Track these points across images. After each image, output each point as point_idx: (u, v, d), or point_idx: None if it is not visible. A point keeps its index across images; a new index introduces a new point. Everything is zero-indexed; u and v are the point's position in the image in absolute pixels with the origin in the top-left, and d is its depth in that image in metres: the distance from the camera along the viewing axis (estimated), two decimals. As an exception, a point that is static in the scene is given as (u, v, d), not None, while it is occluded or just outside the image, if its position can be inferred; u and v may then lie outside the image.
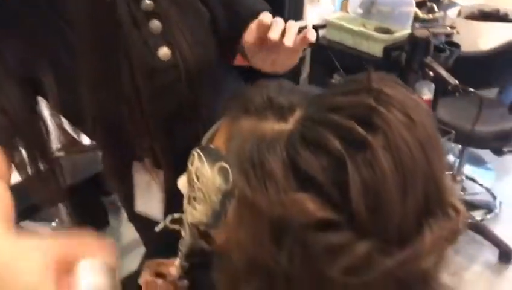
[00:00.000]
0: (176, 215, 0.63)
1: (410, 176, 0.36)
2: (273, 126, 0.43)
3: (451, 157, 2.18)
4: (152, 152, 0.76)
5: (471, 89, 1.41)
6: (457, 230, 0.39)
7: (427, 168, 0.37)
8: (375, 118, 0.36)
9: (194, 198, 0.49)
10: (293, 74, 1.33)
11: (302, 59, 2.27)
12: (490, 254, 2.05)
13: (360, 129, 0.36)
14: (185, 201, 0.52)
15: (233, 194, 0.44)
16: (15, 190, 0.62)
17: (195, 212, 0.49)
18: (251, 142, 0.42)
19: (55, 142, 0.75)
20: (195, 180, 0.48)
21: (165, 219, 0.61)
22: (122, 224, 2.06)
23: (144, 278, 0.68)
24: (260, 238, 0.40)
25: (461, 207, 0.41)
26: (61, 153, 0.75)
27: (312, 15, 1.99)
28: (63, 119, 0.75)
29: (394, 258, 0.36)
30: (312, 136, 0.38)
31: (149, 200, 0.84)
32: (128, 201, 0.88)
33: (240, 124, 0.45)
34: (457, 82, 1.40)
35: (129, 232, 1.76)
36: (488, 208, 2.19)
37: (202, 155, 0.48)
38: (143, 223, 0.89)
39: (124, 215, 1.05)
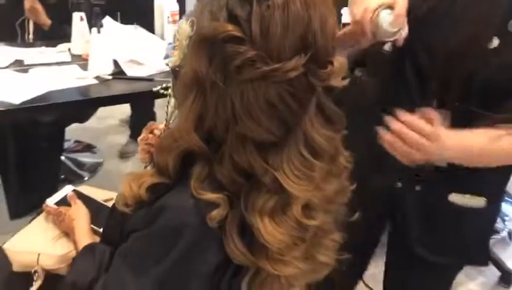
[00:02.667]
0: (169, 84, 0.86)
1: (292, 21, 0.56)
2: None
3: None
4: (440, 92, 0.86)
5: None
6: (329, 73, 0.59)
7: (307, 22, 0.57)
8: None
9: (174, 48, 0.71)
10: None
11: None
12: (490, 274, 2.09)
13: None
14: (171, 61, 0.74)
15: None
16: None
17: (174, 58, 0.71)
18: (209, 4, 0.63)
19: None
20: (177, 35, 0.71)
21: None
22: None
23: (141, 136, 0.92)
24: (200, 56, 0.60)
25: (342, 61, 0.60)
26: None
27: None
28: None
29: (269, 66, 0.55)
30: None
31: None
32: None
33: None
34: None
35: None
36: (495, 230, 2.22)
37: (183, 17, 0.71)
38: None
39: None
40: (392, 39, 0.85)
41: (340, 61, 0.62)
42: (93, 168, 2.59)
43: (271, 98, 0.58)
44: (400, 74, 0.93)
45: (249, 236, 0.64)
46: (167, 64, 1.72)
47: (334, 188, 0.68)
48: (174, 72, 0.74)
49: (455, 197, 0.95)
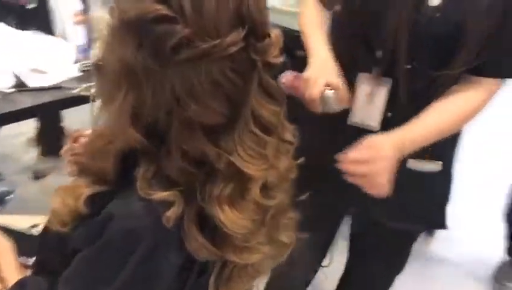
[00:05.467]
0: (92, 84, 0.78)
1: None
2: None
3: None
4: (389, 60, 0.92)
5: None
6: (266, 45, 0.57)
7: None
8: None
9: (95, 40, 0.64)
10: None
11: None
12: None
13: None
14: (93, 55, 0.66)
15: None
16: None
17: (95, 51, 0.64)
18: None
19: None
20: (97, 26, 0.64)
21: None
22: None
23: (66, 147, 0.82)
24: (126, 43, 0.54)
25: (277, 33, 0.58)
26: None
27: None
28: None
29: (207, 43, 0.52)
30: None
31: (367, 112, 0.98)
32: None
33: None
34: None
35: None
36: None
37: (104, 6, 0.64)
38: None
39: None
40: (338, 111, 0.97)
41: (275, 33, 0.60)
42: (2, 198, 2.34)
43: (214, 76, 0.55)
44: (347, 46, 0.98)
45: (209, 229, 0.60)
46: (82, 69, 1.60)
47: (286, 165, 0.67)
48: (98, 67, 0.67)
49: (413, 164, 1.00)
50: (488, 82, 0.94)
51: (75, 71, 1.58)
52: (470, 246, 2.20)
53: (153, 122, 0.58)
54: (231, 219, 0.58)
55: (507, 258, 2.07)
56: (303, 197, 0.75)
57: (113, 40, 0.57)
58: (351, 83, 0.98)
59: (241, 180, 0.59)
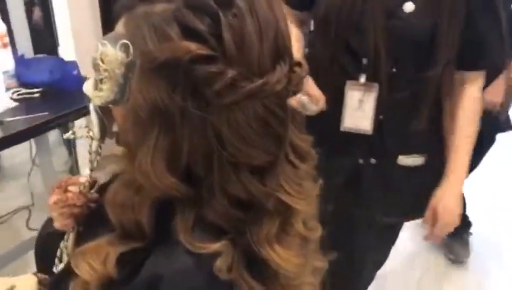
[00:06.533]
0: (83, 125, 0.70)
1: (264, 26, 0.50)
2: (163, 6, 0.53)
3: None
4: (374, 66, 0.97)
5: None
6: (302, 77, 0.55)
7: (275, 23, 0.52)
8: None
9: (101, 80, 0.56)
10: None
11: None
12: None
13: None
14: (91, 90, 0.58)
15: (135, 63, 0.53)
16: None
17: (102, 93, 0.56)
18: (146, 18, 0.52)
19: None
20: (101, 63, 0.56)
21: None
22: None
23: (53, 199, 0.72)
24: (158, 85, 0.49)
25: (303, 62, 0.56)
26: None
27: None
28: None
29: (254, 83, 0.49)
30: (193, 2, 0.50)
31: (359, 117, 1.03)
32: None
33: (135, 10, 0.55)
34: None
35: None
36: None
37: (105, 41, 0.56)
38: None
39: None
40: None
41: (303, 61, 0.58)
42: None
43: (260, 114, 0.51)
44: (334, 54, 1.03)
45: (257, 270, 0.57)
46: (15, 98, 1.42)
47: (315, 191, 0.65)
48: (105, 110, 0.59)
49: (403, 160, 1.06)
50: (476, 74, 1.03)
51: (8, 101, 1.41)
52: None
53: (190, 165, 0.53)
54: (284, 258, 0.56)
55: None
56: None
57: (141, 82, 0.51)
58: (340, 90, 1.03)
59: (285, 216, 0.57)
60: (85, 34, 1.92)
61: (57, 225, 0.74)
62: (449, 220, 1.02)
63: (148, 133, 0.52)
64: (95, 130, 0.64)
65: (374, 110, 1.02)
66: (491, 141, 1.81)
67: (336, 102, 1.04)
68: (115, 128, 0.62)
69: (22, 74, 1.52)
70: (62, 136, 1.93)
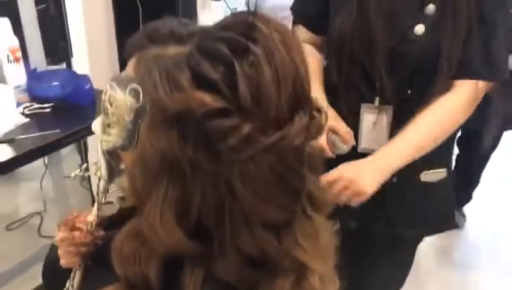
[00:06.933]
0: (92, 160, 0.67)
1: (282, 75, 0.46)
2: (175, 49, 0.50)
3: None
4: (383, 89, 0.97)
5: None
6: (322, 125, 0.51)
7: (294, 70, 0.47)
8: (256, 32, 0.46)
9: (109, 124, 0.53)
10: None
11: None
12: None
13: (244, 40, 0.46)
14: (98, 130, 0.56)
15: (144, 110, 0.50)
16: None
17: (110, 138, 0.54)
18: (157, 62, 0.48)
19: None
20: (109, 107, 0.53)
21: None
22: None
23: (60, 236, 0.69)
24: (169, 136, 0.46)
25: (324, 106, 0.52)
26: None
27: (205, 21, 2.12)
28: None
29: (271, 137, 0.45)
30: (208, 48, 0.46)
31: (374, 138, 1.02)
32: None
33: (147, 52, 0.52)
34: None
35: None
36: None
37: (114, 83, 0.53)
38: None
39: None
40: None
41: (324, 105, 0.54)
42: None
43: (277, 169, 0.48)
44: (349, 77, 1.03)
45: None
46: (27, 113, 1.41)
47: (333, 242, 0.61)
48: (113, 154, 0.56)
49: (425, 176, 1.04)
50: (465, 84, 0.97)
51: (19, 117, 1.40)
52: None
53: (201, 219, 0.49)
54: None
55: None
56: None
57: (150, 131, 0.48)
58: (355, 112, 1.03)
59: (300, 271, 0.53)
60: (99, 46, 1.91)
61: (63, 262, 0.72)
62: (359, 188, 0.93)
63: (157, 183, 0.48)
64: (103, 172, 0.61)
65: (388, 131, 1.01)
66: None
67: (353, 124, 1.03)
68: (122, 165, 0.59)
69: (33, 88, 1.51)
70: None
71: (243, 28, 0.46)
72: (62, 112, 1.47)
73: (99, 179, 0.63)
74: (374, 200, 0.97)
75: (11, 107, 1.40)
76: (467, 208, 2.33)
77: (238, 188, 0.47)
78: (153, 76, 0.47)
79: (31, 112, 1.44)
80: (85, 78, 1.59)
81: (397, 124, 0.99)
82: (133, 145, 0.52)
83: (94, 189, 0.66)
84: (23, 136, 1.27)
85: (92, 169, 0.64)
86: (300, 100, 0.48)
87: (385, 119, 1.00)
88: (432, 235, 1.25)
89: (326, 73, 1.09)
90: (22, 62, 1.49)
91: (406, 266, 1.25)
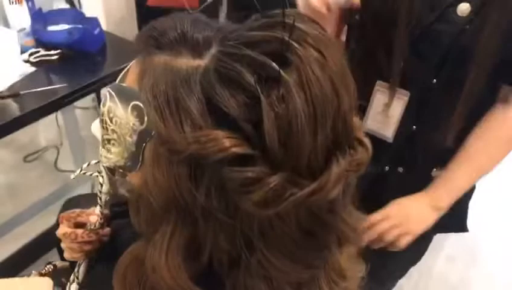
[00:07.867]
0: (93, 161, 0.60)
1: (320, 113, 0.37)
2: (187, 62, 0.40)
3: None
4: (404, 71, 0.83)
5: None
6: (363, 162, 0.41)
7: (337, 105, 0.38)
8: (289, 54, 0.36)
9: (109, 140, 0.46)
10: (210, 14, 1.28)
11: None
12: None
13: (273, 65, 0.36)
14: (100, 145, 0.48)
15: (149, 133, 0.42)
16: None
17: (110, 156, 0.46)
18: (165, 79, 0.39)
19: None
20: (109, 121, 0.45)
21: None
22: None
23: (63, 231, 0.65)
24: (177, 175, 0.38)
25: (367, 141, 0.43)
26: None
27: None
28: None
29: (304, 190, 0.36)
30: (227, 71, 0.37)
31: (382, 121, 0.92)
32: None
33: (153, 60, 0.42)
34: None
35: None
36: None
37: (114, 94, 0.45)
38: None
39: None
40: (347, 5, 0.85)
41: (366, 139, 0.44)
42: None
43: (307, 225, 0.40)
44: (370, 54, 0.89)
45: None
46: (33, 60, 1.32)
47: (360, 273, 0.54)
48: (114, 171, 0.49)
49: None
50: None
51: (24, 66, 1.31)
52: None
53: (211, 265, 0.43)
54: None
55: None
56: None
57: (155, 164, 0.40)
58: (369, 89, 0.92)
59: None
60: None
61: (67, 256, 0.68)
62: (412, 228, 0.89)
63: (163, 220, 0.42)
64: (105, 180, 0.55)
65: (400, 118, 0.89)
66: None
67: (364, 101, 0.92)
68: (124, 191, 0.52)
69: (38, 32, 1.40)
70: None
71: (274, 47, 0.36)
72: (70, 60, 1.38)
73: (101, 184, 0.57)
74: (372, 189, 0.91)
75: (15, 55, 1.31)
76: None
77: (257, 243, 0.40)
78: (159, 98, 0.39)
79: (37, 59, 1.35)
80: (94, 22, 1.47)
81: (411, 115, 0.88)
82: (137, 168, 0.45)
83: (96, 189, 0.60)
84: (29, 91, 1.19)
85: (92, 169, 0.58)
86: (341, 141, 0.39)
87: (400, 104, 0.87)
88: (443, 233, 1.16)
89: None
90: (24, 2, 1.38)
91: (422, 251, 1.19)
